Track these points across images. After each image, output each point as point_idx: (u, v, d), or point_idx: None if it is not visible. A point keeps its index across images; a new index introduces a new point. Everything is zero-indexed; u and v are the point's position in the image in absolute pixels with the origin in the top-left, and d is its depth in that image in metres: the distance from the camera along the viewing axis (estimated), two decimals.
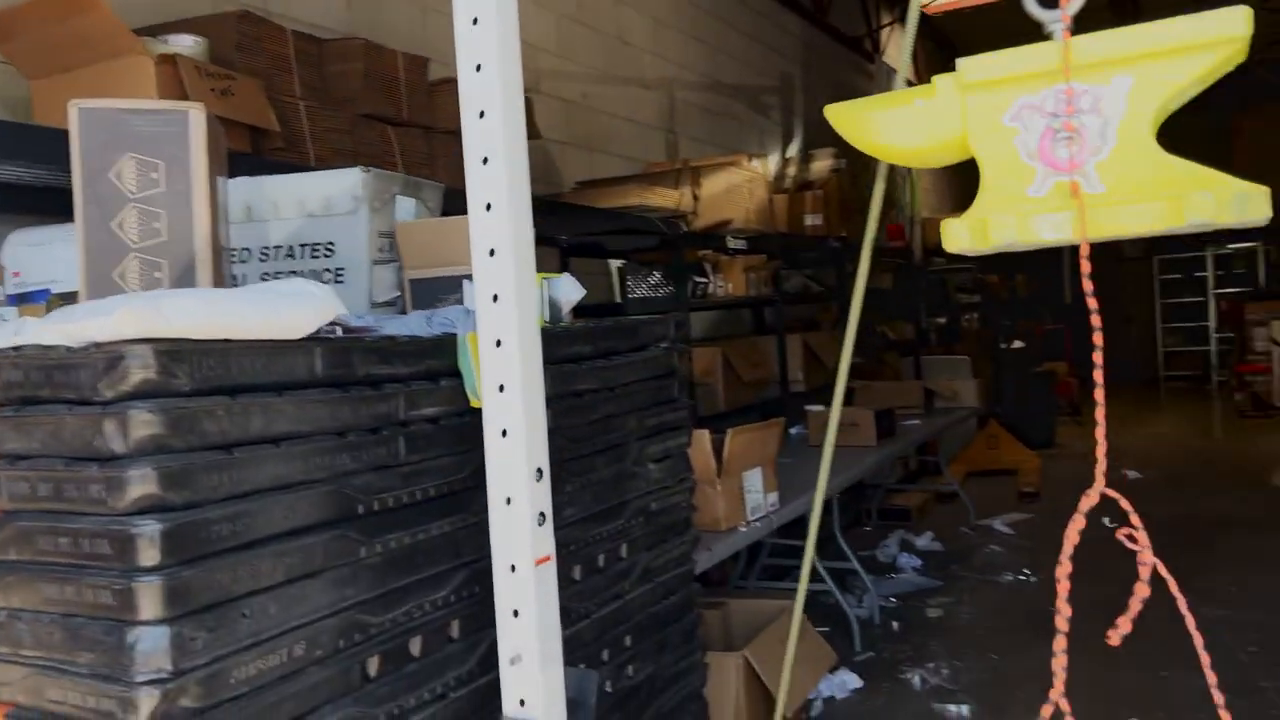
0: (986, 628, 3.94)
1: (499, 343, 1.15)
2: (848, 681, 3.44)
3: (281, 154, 2.38)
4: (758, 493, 3.08)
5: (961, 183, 10.61)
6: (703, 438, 2.92)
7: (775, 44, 7.08)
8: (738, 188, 4.42)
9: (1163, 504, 5.77)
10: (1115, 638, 1.19)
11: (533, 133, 3.48)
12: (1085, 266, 0.87)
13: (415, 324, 1.43)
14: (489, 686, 1.33)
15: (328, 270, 1.76)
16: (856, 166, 6.41)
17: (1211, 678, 1.21)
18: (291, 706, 1.11)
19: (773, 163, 5.96)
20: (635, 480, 1.79)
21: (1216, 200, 0.82)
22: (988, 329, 7.88)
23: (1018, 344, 7.22)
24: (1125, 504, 1.14)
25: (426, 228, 1.80)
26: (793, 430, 4.77)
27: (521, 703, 1.18)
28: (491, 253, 1.14)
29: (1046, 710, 1.21)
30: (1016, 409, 7.18)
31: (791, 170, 6.00)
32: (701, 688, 1.95)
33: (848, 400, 5.79)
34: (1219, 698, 1.19)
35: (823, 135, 7.18)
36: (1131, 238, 0.88)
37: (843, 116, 1.01)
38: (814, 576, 3.93)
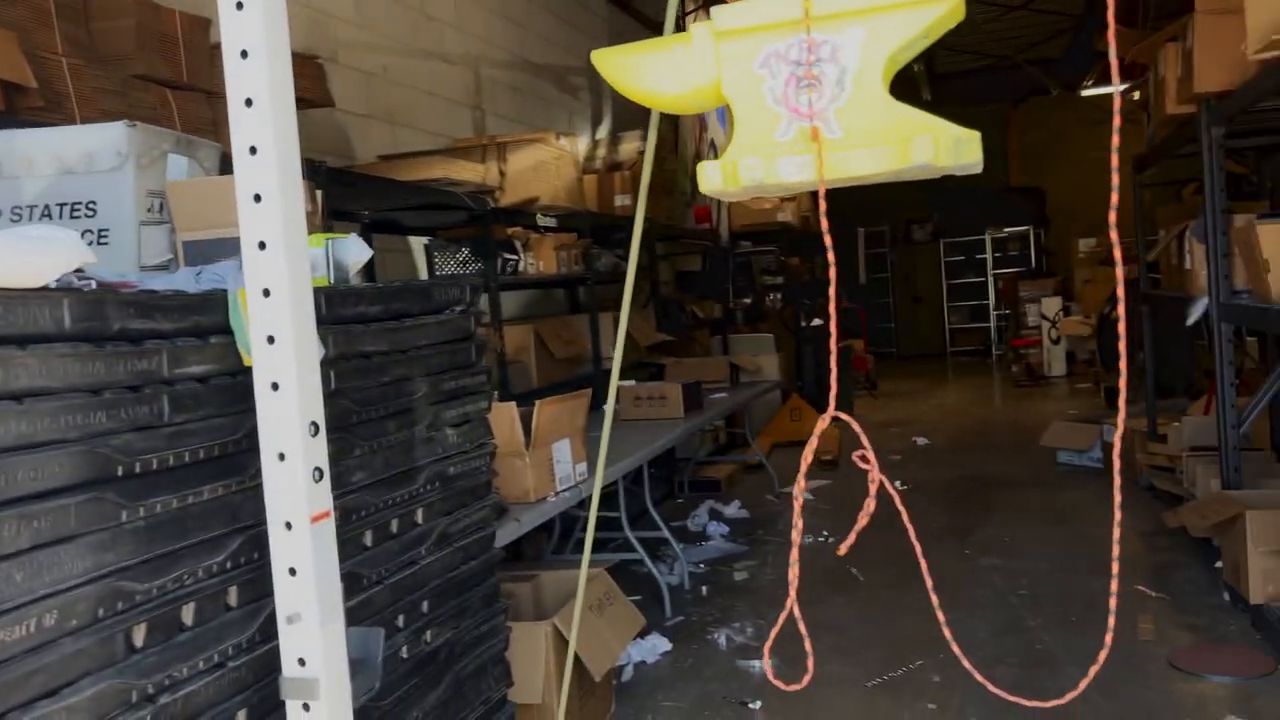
0: (787, 587, 4.14)
1: (267, 292, 1.11)
2: (658, 645, 3.53)
3: (41, 114, 2.21)
4: (566, 463, 3.11)
5: None
6: (510, 409, 2.92)
7: (583, 26, 7.12)
8: (545, 165, 4.42)
9: (947, 467, 6.22)
10: (843, 549, 1.29)
11: (324, 99, 3.37)
12: (823, 205, 0.94)
13: (182, 279, 1.36)
14: (271, 654, 1.29)
15: (89, 231, 1.65)
16: (664, 150, 6.54)
17: (935, 599, 1.33)
18: (42, 680, 1.04)
19: (582, 143, 6.00)
20: (431, 445, 1.77)
21: (936, 144, 0.90)
22: (790, 308, 8.24)
23: (817, 322, 7.59)
24: (859, 431, 1.22)
25: (201, 186, 1.72)
26: (605, 407, 4.84)
27: (301, 662, 1.15)
28: (257, 198, 1.10)
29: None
30: (817, 383, 7.54)
31: (601, 151, 6.06)
32: (504, 651, 1.96)
33: (658, 376, 5.91)
34: (941, 616, 1.30)
35: (631, 118, 7.30)
36: (865, 181, 0.95)
37: (608, 62, 1.03)
38: (626, 547, 4.02)
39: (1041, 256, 11.79)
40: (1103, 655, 1.17)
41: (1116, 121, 0.93)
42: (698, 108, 1.04)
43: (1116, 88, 1.04)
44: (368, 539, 1.58)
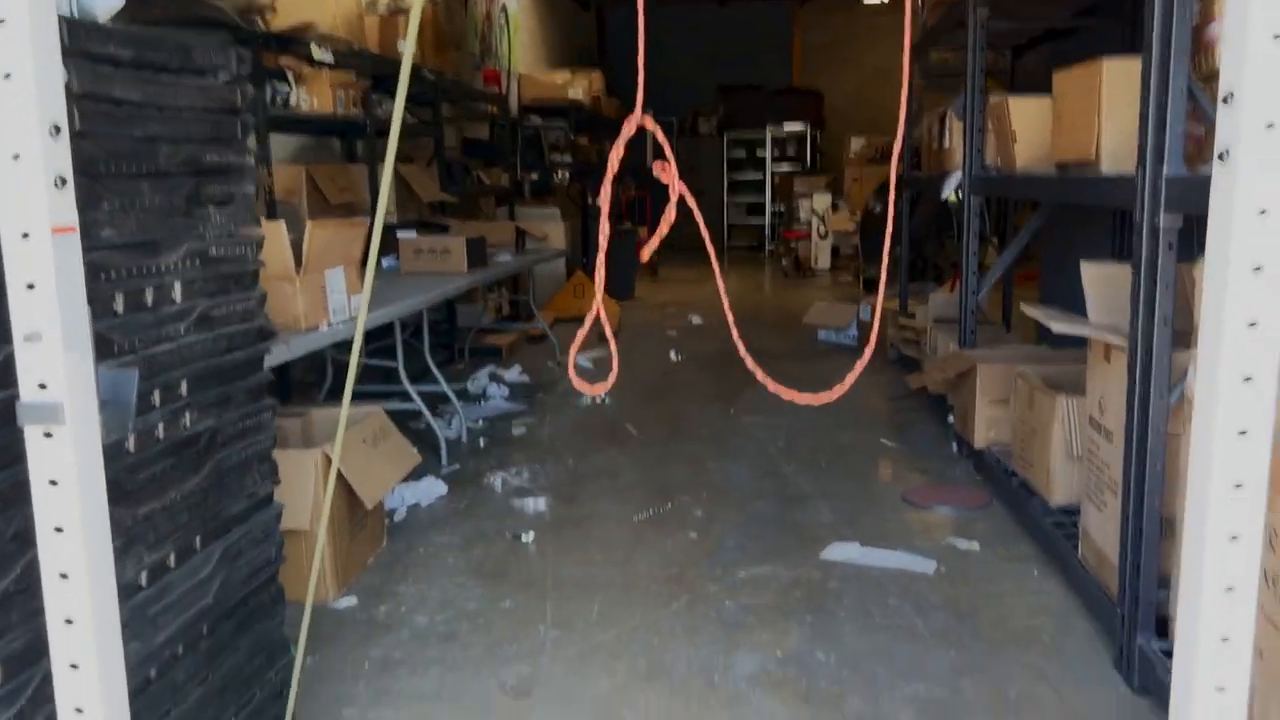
0: (564, 440, 4.23)
1: None
2: (433, 489, 3.53)
3: None
4: (340, 294, 2.99)
5: (560, 37, 10.79)
6: (280, 229, 2.76)
7: None
8: None
9: (718, 342, 6.49)
10: (645, 254, 1.32)
11: None
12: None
13: None
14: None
15: None
16: (455, 2, 6.25)
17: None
18: None
19: None
20: (191, 220, 1.64)
21: None
22: (577, 185, 8.22)
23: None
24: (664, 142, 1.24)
25: None
26: (385, 262, 4.68)
27: (42, 386, 1.05)
28: None
29: None
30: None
31: None
32: (271, 449, 1.88)
33: (442, 232, 5.74)
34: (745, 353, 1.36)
35: None
36: None
37: None
38: (404, 398, 3.96)
39: (816, 155, 12.33)
40: None
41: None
42: None
43: None
44: (119, 304, 1.46)
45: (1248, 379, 1.02)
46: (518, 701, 2.19)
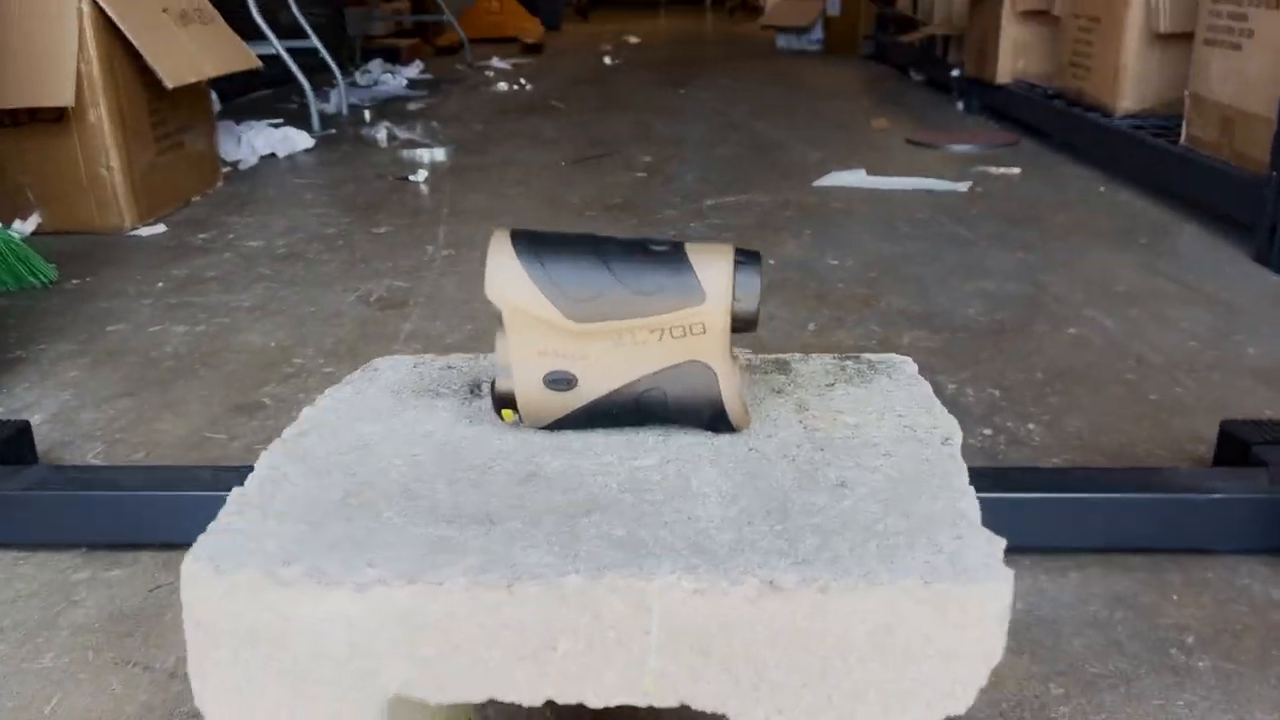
0: (473, 112, 3.37)
1: None
2: (295, 139, 2.67)
3: None
4: None
5: None
6: None
7: None
8: None
9: (662, 51, 5.59)
10: None
11: None
12: None
13: None
14: None
15: None
16: None
17: None
18: None
19: None
20: None
21: None
22: None
23: None
24: None
25: None
26: None
27: None
28: None
29: None
30: None
31: None
32: None
33: None
34: None
35: None
36: None
37: None
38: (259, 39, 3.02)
39: None
40: None
41: None
42: None
43: None
44: None
45: None
46: (385, 313, 1.44)
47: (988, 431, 1.04)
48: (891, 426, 0.46)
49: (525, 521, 0.39)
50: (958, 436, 0.45)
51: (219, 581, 0.35)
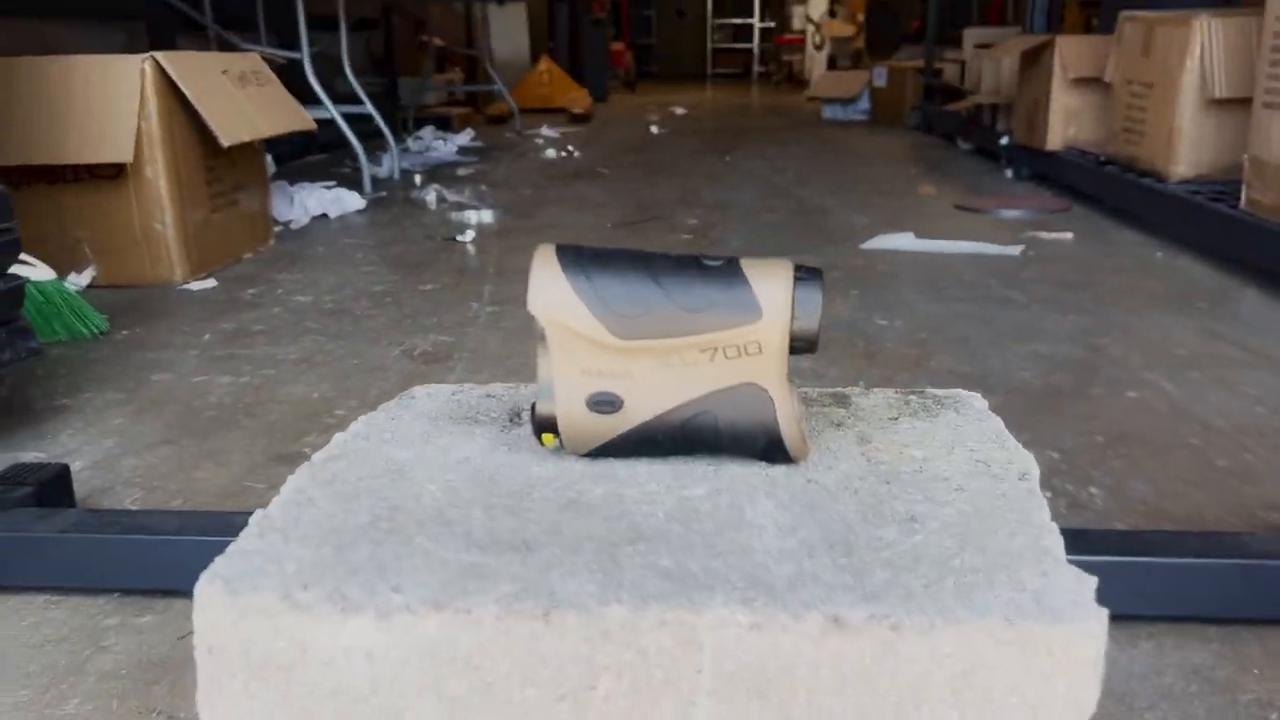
0: (521, 177, 3.41)
1: None
2: (346, 199, 2.72)
3: None
4: None
5: None
6: None
7: None
8: None
9: (708, 121, 5.66)
10: None
11: None
12: None
13: None
14: None
15: None
16: None
17: None
18: None
19: None
20: None
21: None
22: None
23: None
24: None
25: None
26: None
27: None
28: None
29: None
30: (570, 52, 6.68)
31: None
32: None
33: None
34: None
35: None
36: None
37: None
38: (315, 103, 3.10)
39: None
40: None
41: None
42: None
43: None
44: None
45: None
46: (429, 367, 1.43)
47: (1047, 494, 0.99)
48: (962, 460, 0.42)
49: (564, 548, 0.36)
50: (1035, 471, 0.42)
51: (232, 604, 0.33)
